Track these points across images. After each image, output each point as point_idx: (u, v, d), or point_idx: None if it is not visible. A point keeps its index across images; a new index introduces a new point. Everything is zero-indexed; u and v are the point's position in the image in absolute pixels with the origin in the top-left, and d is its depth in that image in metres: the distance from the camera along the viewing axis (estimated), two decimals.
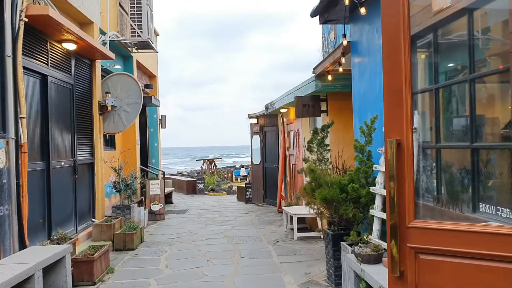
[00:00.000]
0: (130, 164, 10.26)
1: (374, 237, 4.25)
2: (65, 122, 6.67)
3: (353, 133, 6.71)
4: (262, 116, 12.58)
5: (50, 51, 6.11)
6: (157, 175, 11.54)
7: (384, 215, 4.22)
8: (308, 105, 7.13)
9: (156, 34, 13.97)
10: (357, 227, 4.63)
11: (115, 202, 8.85)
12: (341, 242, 4.89)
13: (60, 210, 6.30)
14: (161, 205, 10.23)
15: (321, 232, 5.98)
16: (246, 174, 22.96)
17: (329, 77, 6.57)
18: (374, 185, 4.44)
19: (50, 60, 6.12)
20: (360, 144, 4.60)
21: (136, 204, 8.70)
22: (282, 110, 10.40)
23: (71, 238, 5.68)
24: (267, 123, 12.48)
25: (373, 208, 4.35)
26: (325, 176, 4.80)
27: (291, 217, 8.06)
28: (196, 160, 38.94)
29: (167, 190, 13.29)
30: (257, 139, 13.04)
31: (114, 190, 8.28)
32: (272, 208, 11.65)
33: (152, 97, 11.58)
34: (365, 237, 4.27)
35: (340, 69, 6.07)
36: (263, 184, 12.64)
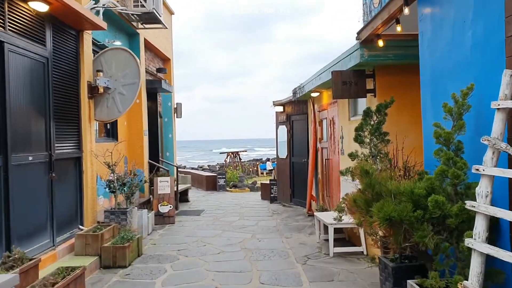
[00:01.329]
0: (135, 158, 8.85)
1: (475, 285, 2.56)
2: (36, 106, 5.21)
3: (412, 118, 4.99)
4: (289, 103, 10.88)
5: (8, 11, 4.64)
6: (168, 171, 10.05)
7: (492, 250, 2.51)
8: (349, 82, 5.37)
9: (171, 13, 12.48)
10: (439, 263, 2.93)
11: (115, 204, 7.40)
12: (409, 281, 3.22)
13: (26, 218, 4.87)
14: (170, 206, 8.75)
15: (375, 260, 4.30)
16: (272, 168, 21.43)
17: (380, 43, 4.85)
18: (472, 198, 2.75)
19: (9, 22, 4.66)
20: (444, 131, 2.89)
21: (136, 207, 7.24)
22: (313, 95, 8.68)
23: (31, 259, 4.23)
24: (295, 111, 10.76)
25: (471, 236, 2.66)
26: (387, 181, 3.10)
27: (325, 226, 6.41)
28: (220, 153, 37.47)
29: (182, 187, 11.85)
30: (283, 129, 11.35)
31: (107, 190, 6.83)
32: (300, 210, 10.00)
33: (163, 80, 10.08)
34: (459, 286, 2.58)
35: (398, 28, 4.34)
36: (290, 182, 10.97)
